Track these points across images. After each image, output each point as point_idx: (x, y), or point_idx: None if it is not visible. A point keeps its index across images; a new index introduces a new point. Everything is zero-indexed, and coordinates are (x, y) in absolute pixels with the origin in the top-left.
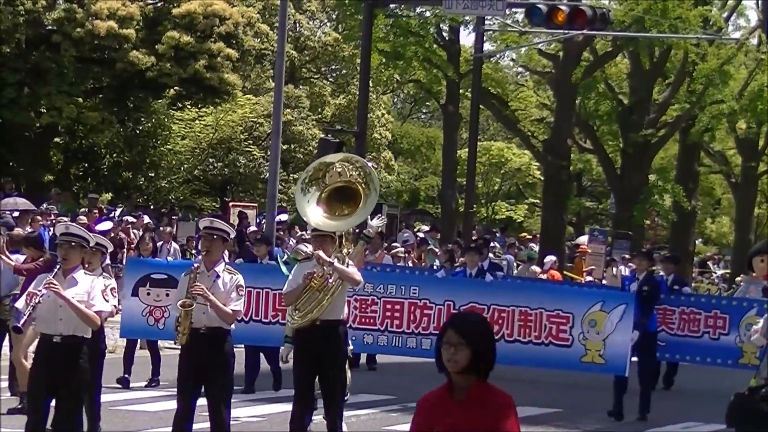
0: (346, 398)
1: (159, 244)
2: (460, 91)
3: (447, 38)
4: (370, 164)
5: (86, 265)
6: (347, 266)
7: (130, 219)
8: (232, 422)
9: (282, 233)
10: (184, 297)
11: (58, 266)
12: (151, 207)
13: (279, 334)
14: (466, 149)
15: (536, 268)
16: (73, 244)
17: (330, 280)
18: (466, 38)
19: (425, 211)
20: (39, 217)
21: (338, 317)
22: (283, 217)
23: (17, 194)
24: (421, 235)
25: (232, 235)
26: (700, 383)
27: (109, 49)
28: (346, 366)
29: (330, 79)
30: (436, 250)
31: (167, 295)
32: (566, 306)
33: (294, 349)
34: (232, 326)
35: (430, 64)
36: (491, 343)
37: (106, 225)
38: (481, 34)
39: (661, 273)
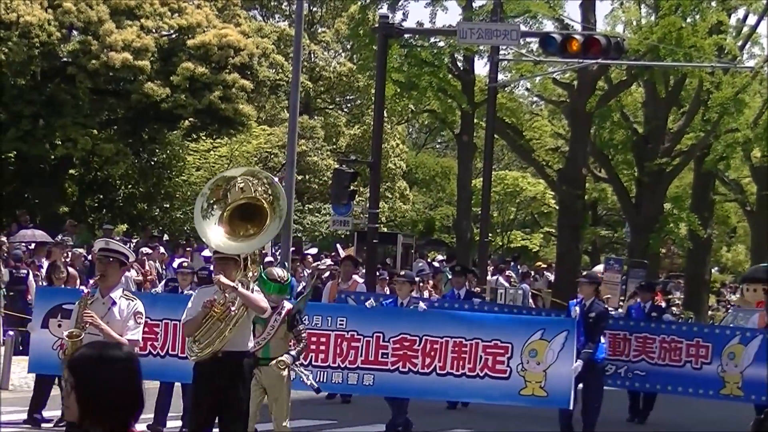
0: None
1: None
2: (475, 120)
3: (461, 68)
4: (276, 179)
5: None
6: (252, 291)
7: (146, 250)
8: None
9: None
10: (74, 326)
11: (95, 287)
12: (167, 238)
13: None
14: (481, 178)
15: None
16: (111, 259)
17: (233, 308)
18: (481, 68)
19: (440, 241)
20: (56, 249)
21: (242, 349)
22: (206, 253)
23: (33, 226)
24: (436, 264)
25: (131, 259)
26: (679, 416)
27: (124, 80)
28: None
29: (345, 110)
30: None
31: None
32: (505, 335)
33: (192, 385)
34: None
35: (445, 94)
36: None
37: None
38: (495, 63)
39: (639, 301)
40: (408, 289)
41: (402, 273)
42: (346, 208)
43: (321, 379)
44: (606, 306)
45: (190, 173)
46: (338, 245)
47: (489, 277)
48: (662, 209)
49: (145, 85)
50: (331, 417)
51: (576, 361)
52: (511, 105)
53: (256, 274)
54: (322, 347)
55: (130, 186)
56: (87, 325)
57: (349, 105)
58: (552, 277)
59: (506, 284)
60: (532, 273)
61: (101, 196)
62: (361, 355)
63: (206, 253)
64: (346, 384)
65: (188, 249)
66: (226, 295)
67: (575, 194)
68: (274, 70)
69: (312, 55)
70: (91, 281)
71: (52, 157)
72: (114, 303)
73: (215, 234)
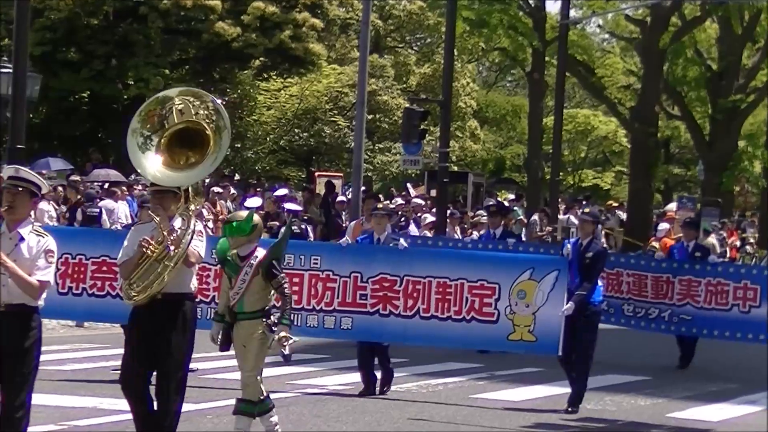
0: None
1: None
2: (546, 58)
3: (532, 5)
4: (219, 102)
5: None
6: (194, 229)
7: (217, 190)
8: (318, 390)
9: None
10: None
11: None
12: (237, 178)
13: None
14: (552, 117)
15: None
16: (20, 189)
17: (172, 248)
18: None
19: (511, 180)
20: (125, 189)
21: (184, 290)
22: (256, 202)
23: (106, 166)
24: (506, 203)
25: (45, 190)
26: (720, 361)
27: (196, 20)
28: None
29: (415, 48)
30: (523, 219)
31: None
32: (492, 275)
33: (127, 330)
34: (40, 302)
35: (516, 32)
36: None
37: (255, 201)
38: (567, 0)
39: (682, 240)
40: (386, 223)
41: (379, 206)
42: (417, 148)
43: (296, 323)
44: (605, 245)
45: (261, 113)
46: (408, 184)
47: (560, 216)
48: (736, 147)
49: (216, 24)
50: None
51: (567, 304)
52: (583, 42)
53: (198, 207)
54: (295, 288)
55: None
56: None
57: (419, 43)
58: (624, 216)
59: (577, 223)
60: (604, 212)
61: None
62: (337, 297)
63: (279, 192)
64: (323, 328)
65: (258, 189)
66: (164, 233)
67: (648, 132)
68: (344, 9)
69: None
70: None
71: (125, 97)
72: (22, 239)
73: (152, 164)
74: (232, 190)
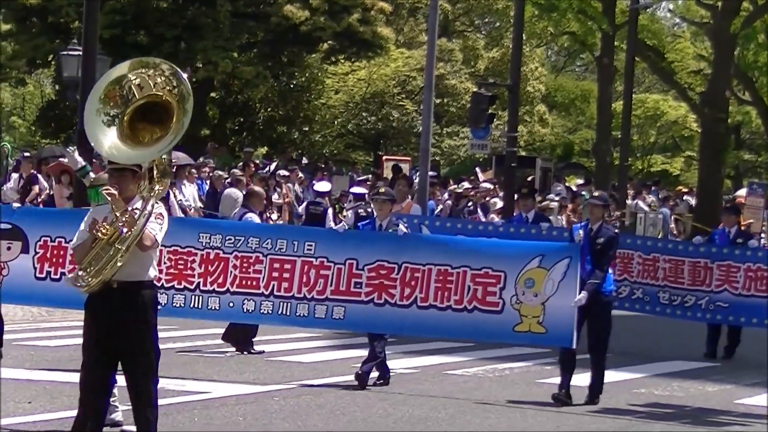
0: None
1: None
2: (615, 43)
3: None
4: (178, 69)
5: None
6: (150, 213)
7: (283, 173)
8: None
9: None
10: None
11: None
12: (305, 161)
13: None
14: (621, 102)
15: None
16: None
17: (125, 230)
18: None
19: (579, 165)
20: (194, 171)
21: (140, 278)
22: (325, 186)
23: (175, 148)
24: (574, 188)
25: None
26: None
27: (264, 3)
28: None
29: (483, 32)
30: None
31: (8, 248)
32: (497, 263)
33: (84, 321)
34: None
35: (585, 16)
36: None
37: (324, 185)
38: None
39: (722, 225)
40: (388, 208)
41: (382, 190)
42: (485, 132)
43: (284, 312)
44: (616, 230)
45: (329, 96)
46: (477, 169)
47: (628, 201)
48: None
49: (285, 7)
50: None
51: (579, 293)
52: (653, 27)
53: (163, 189)
54: (286, 275)
55: (269, 109)
56: None
57: (487, 27)
58: (693, 202)
59: (646, 208)
60: (673, 197)
61: (241, 119)
62: (330, 285)
63: (320, 187)
64: (313, 317)
65: (326, 173)
66: (117, 213)
67: (718, 117)
68: None
69: None
70: None
71: (194, 80)
72: None
73: (108, 140)
74: (300, 174)
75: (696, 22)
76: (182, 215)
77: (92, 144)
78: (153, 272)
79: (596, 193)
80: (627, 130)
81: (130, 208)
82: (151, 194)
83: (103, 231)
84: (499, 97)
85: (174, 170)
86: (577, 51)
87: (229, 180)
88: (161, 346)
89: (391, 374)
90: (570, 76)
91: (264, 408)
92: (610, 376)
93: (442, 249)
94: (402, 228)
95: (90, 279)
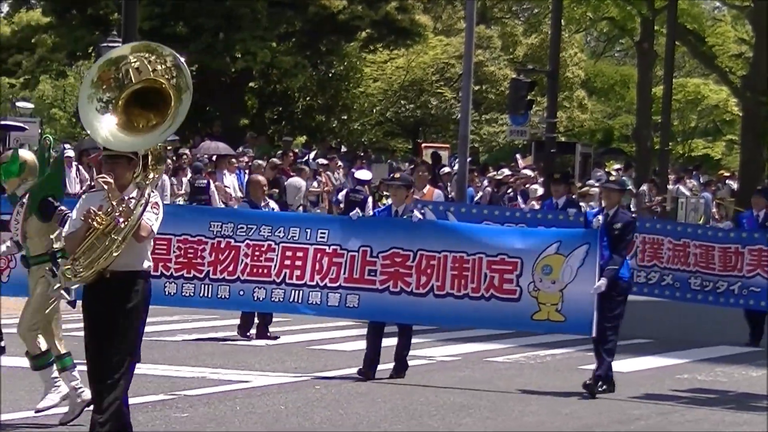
0: None
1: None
2: (655, 27)
3: None
4: (180, 57)
5: None
6: (147, 203)
7: (322, 161)
8: (426, 361)
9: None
10: None
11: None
12: (344, 150)
13: None
14: (661, 86)
15: None
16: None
17: (121, 220)
18: None
19: (619, 150)
20: (234, 161)
21: (136, 268)
22: (366, 175)
23: (215, 138)
24: (613, 173)
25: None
26: None
27: None
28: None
29: (522, 19)
30: (632, 189)
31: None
32: (513, 249)
33: (82, 312)
34: None
35: (624, 1)
36: None
37: (364, 174)
38: None
39: (751, 209)
40: (404, 194)
41: (397, 176)
42: (524, 118)
43: (296, 299)
44: (633, 215)
45: (368, 85)
46: (517, 155)
47: (670, 186)
48: None
49: None
50: None
51: (599, 280)
52: (693, 11)
53: (158, 176)
54: (298, 263)
55: (308, 98)
56: None
57: (526, 13)
58: (735, 186)
59: (687, 193)
60: (715, 182)
61: (280, 109)
62: (344, 273)
63: (361, 174)
64: (326, 306)
65: (365, 161)
66: (113, 203)
67: (760, 101)
68: None
69: None
70: None
71: (233, 70)
72: None
73: (105, 126)
74: (339, 162)
75: (736, 6)
76: (222, 205)
77: (87, 131)
78: (147, 263)
79: (610, 179)
80: (668, 114)
81: (125, 197)
82: (146, 182)
83: (99, 221)
84: (538, 83)
85: (215, 160)
86: (616, 36)
87: (251, 167)
88: (203, 336)
89: (408, 368)
90: (609, 61)
91: (305, 396)
92: (653, 362)
93: (457, 236)
94: (417, 214)
95: (82, 270)
